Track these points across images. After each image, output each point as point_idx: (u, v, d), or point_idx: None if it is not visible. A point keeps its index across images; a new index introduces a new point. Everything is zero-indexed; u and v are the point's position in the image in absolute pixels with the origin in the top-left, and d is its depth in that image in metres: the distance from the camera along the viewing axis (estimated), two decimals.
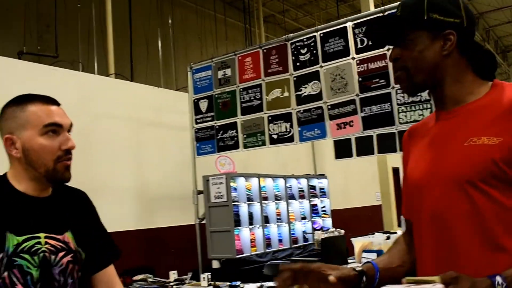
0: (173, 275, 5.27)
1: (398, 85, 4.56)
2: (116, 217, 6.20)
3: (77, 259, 1.67)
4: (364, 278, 1.42)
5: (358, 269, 1.43)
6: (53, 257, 1.59)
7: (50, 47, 9.07)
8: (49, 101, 1.70)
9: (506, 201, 1.30)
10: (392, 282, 1.27)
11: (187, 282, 5.18)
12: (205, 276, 4.98)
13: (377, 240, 4.71)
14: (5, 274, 1.50)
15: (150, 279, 5.37)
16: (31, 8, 9.05)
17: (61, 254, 1.62)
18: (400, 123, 4.65)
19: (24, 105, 1.65)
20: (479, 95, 1.43)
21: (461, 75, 1.44)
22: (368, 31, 4.25)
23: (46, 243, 1.59)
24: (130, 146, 6.65)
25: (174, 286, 5.00)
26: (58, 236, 1.63)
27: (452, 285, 1.15)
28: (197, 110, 6.17)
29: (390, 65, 4.66)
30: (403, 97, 4.64)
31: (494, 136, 1.32)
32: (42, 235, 1.59)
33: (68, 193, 1.80)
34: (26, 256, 1.54)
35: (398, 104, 4.67)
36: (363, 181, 10.71)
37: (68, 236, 1.66)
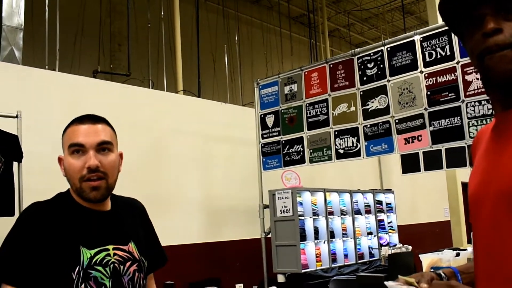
0: (239, 287, 5.33)
1: (470, 97, 4.51)
2: (185, 230, 6.35)
3: (141, 267, 1.75)
4: (445, 278, 1.35)
5: (437, 272, 1.37)
6: (121, 267, 1.68)
7: (122, 65, 9.48)
8: (84, 120, 1.74)
9: None
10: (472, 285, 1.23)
11: None
12: None
13: (446, 256, 4.57)
14: (82, 286, 1.59)
15: None
16: (104, 29, 9.49)
17: (128, 264, 1.70)
18: (471, 137, 4.53)
19: (66, 128, 1.75)
20: None
21: None
22: None
23: (115, 254, 1.68)
24: (198, 161, 6.80)
25: None
26: (124, 247, 1.72)
27: None
28: (263, 125, 6.25)
29: (460, 78, 4.61)
30: (474, 110, 4.53)
31: None
32: (110, 247, 1.68)
33: (126, 204, 1.88)
34: (99, 268, 1.62)
35: (468, 118, 4.56)
36: (431, 196, 10.43)
37: (132, 246, 1.74)
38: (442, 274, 1.37)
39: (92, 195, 1.67)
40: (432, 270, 1.39)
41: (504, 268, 1.18)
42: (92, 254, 1.63)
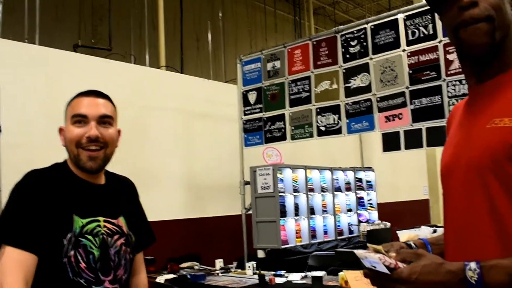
0: (219, 263, 5.37)
1: (451, 77, 4.54)
2: (166, 206, 6.36)
3: (128, 242, 1.81)
4: (415, 248, 1.38)
5: (407, 242, 1.41)
6: (109, 239, 1.74)
7: (104, 40, 9.34)
8: (89, 94, 1.81)
9: None
10: (442, 256, 1.26)
11: (232, 270, 5.26)
12: (250, 265, 5.05)
13: (423, 233, 4.66)
14: (72, 252, 1.64)
15: (196, 267, 5.49)
16: (86, 2, 9.33)
17: (116, 237, 1.76)
18: None
19: (71, 100, 1.81)
20: None
21: None
22: None
23: (105, 226, 1.74)
24: (180, 137, 6.78)
25: (220, 274, 5.09)
26: (114, 220, 1.78)
27: (413, 262, 1.14)
28: (245, 101, 6.24)
29: (442, 57, 4.63)
30: (454, 89, 4.57)
31: None
32: (101, 218, 1.74)
33: (119, 180, 1.95)
34: (89, 237, 1.69)
35: (449, 97, 4.60)
36: (411, 174, 10.55)
37: (121, 221, 1.80)
38: (412, 245, 1.41)
39: (89, 164, 1.73)
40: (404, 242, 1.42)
41: (473, 236, 1.22)
42: (84, 223, 1.69)
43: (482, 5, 1.21)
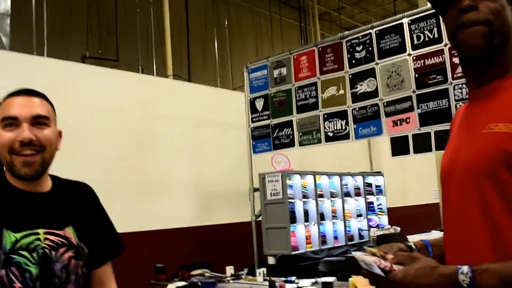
0: (229, 270, 5.38)
1: (458, 80, 4.56)
2: (176, 214, 6.39)
3: (79, 254, 1.61)
4: (415, 249, 1.41)
5: (407, 244, 1.43)
6: (54, 253, 1.54)
7: (111, 50, 9.42)
8: (21, 93, 1.62)
9: None
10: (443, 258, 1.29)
11: (243, 277, 5.28)
12: (261, 271, 5.06)
13: (434, 237, 4.64)
14: (3, 272, 1.46)
15: (207, 274, 5.50)
16: (92, 14, 9.42)
17: (62, 250, 1.56)
18: None
19: (1, 102, 1.63)
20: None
21: None
22: None
23: (46, 239, 1.54)
24: (189, 145, 6.82)
25: (231, 281, 5.11)
26: (59, 232, 1.58)
27: (407, 265, 1.16)
28: (253, 109, 6.27)
29: (448, 60, 4.63)
30: (461, 92, 4.56)
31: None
32: (41, 231, 1.54)
33: (70, 187, 1.74)
34: (24, 253, 1.49)
35: (456, 100, 4.60)
36: (420, 178, 10.51)
37: (69, 231, 1.60)
38: (413, 246, 1.43)
39: (24, 171, 1.54)
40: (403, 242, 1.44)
41: (468, 240, 1.24)
42: (18, 238, 1.50)
43: (481, 9, 1.23)
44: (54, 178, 1.70)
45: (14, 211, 1.54)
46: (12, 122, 1.55)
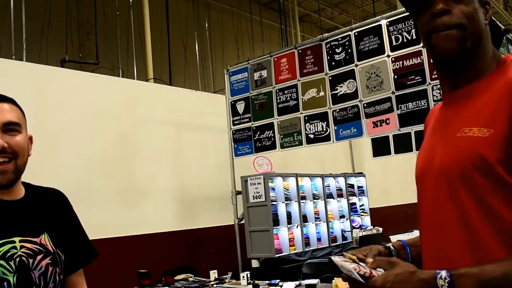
0: (213, 274, 5.37)
1: (436, 81, 4.60)
2: (158, 218, 6.35)
3: (56, 261, 1.60)
4: (394, 251, 1.43)
5: (386, 245, 1.44)
6: (31, 260, 1.52)
7: (91, 54, 9.36)
8: None
9: (494, 203, 1.16)
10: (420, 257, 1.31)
11: (227, 281, 5.26)
12: (244, 275, 5.05)
13: (414, 237, 4.68)
14: None
15: (191, 279, 5.48)
16: (72, 17, 9.35)
17: (39, 257, 1.55)
18: None
19: None
20: (486, 73, 1.27)
21: (488, 49, 1.29)
22: None
23: (22, 247, 1.52)
24: (171, 149, 6.78)
25: (215, 285, 5.09)
26: (34, 239, 1.56)
27: (387, 270, 1.17)
28: (234, 111, 6.26)
29: (426, 61, 4.68)
30: (439, 93, 4.61)
31: (485, 127, 1.18)
32: (17, 239, 1.52)
33: (43, 193, 1.72)
34: (1, 262, 1.46)
35: (434, 101, 4.65)
36: (402, 178, 10.58)
37: (44, 238, 1.59)
38: (391, 247, 1.44)
39: None
40: (382, 244, 1.45)
41: (444, 241, 1.25)
42: None
43: (454, 13, 1.24)
44: (26, 185, 1.67)
45: None
46: None
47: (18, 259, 1.49)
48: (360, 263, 1.26)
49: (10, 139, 1.54)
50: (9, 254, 1.48)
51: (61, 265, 1.62)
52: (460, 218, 1.20)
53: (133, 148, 6.28)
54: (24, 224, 1.57)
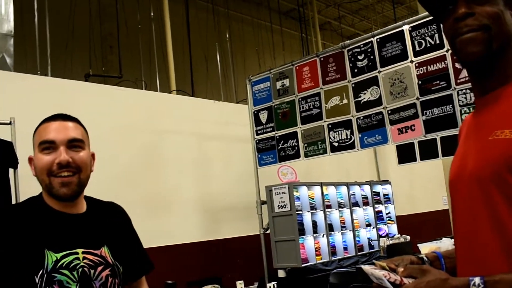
0: (239, 284, 5.36)
1: (461, 85, 4.54)
2: (183, 229, 6.36)
3: (115, 272, 1.69)
4: (427, 262, 1.39)
5: (419, 256, 1.40)
6: (92, 271, 1.62)
7: (114, 68, 9.45)
8: (56, 118, 1.72)
9: None
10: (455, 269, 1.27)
11: None
12: (271, 285, 5.03)
13: (445, 245, 4.60)
14: None
15: None
16: (94, 32, 9.47)
17: (99, 268, 1.64)
18: None
19: (37, 127, 1.72)
20: None
21: None
22: None
23: (84, 258, 1.62)
24: (194, 160, 6.80)
25: None
26: (96, 251, 1.66)
27: (418, 278, 1.14)
28: (257, 121, 6.26)
29: (450, 66, 4.62)
30: (465, 98, 4.54)
31: None
32: (79, 250, 1.62)
33: (104, 208, 1.84)
34: (65, 271, 1.57)
35: (460, 106, 4.58)
36: (428, 185, 10.45)
37: (105, 251, 1.69)
38: (425, 258, 1.41)
39: (62, 191, 1.62)
40: (415, 254, 1.42)
41: (479, 249, 1.21)
42: (58, 258, 1.58)
43: (478, 15, 1.21)
44: (88, 199, 1.78)
45: (54, 232, 1.62)
46: (49, 145, 1.64)
47: (80, 269, 1.60)
48: (391, 271, 1.23)
49: (74, 154, 1.66)
50: (72, 265, 1.59)
51: (119, 276, 1.71)
52: (494, 222, 1.16)
53: (157, 160, 6.32)
54: (87, 237, 1.67)
